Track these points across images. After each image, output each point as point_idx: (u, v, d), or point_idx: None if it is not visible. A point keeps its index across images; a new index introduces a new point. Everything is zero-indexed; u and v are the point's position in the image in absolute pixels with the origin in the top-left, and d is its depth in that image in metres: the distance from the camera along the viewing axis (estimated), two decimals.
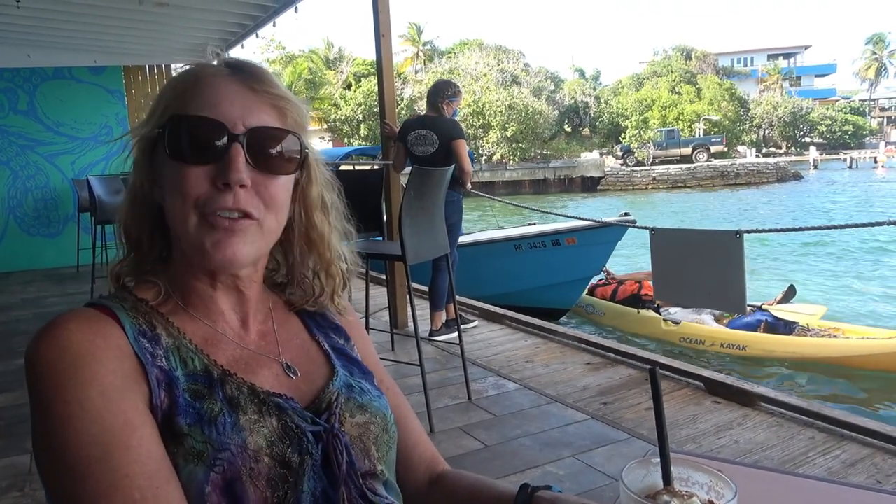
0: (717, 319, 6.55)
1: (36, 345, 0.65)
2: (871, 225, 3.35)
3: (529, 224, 8.84)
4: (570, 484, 2.42)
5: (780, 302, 6.68)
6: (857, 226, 3.49)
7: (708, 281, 3.21)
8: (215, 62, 0.79)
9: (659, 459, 0.59)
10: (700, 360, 5.84)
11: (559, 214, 5.71)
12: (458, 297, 3.77)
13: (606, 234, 7.63)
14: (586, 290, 8.03)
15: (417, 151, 4.30)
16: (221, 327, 0.79)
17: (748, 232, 3.17)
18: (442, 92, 4.41)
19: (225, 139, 0.72)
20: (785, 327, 6.04)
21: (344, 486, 0.73)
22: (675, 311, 6.73)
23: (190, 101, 0.74)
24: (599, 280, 8.03)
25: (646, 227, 3.52)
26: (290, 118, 0.79)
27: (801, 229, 3.56)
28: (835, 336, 5.86)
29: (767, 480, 0.89)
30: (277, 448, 0.70)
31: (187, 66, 0.79)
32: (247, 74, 0.77)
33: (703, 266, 3.22)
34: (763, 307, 6.40)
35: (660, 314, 6.83)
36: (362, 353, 0.93)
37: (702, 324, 6.45)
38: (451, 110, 4.39)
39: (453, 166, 3.71)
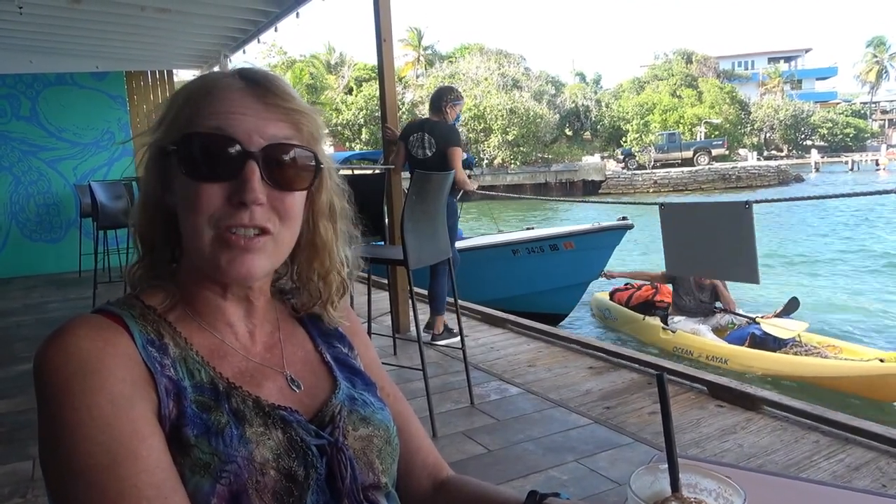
0: (721, 331, 6.55)
1: (45, 351, 0.65)
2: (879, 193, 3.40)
3: (527, 229, 8.83)
4: (574, 489, 2.41)
5: (779, 314, 6.63)
6: (863, 195, 3.56)
7: (719, 252, 3.23)
8: (229, 71, 0.78)
9: (666, 466, 0.59)
10: None
11: (567, 199, 5.67)
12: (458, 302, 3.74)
13: (604, 239, 7.63)
14: (607, 295, 8.04)
15: (415, 153, 4.33)
16: (229, 339, 0.79)
17: (757, 202, 3.19)
18: (445, 96, 4.45)
19: (240, 156, 0.71)
20: (774, 342, 6.01)
21: (347, 499, 0.73)
22: (679, 321, 6.72)
23: (202, 113, 0.73)
24: (625, 285, 8.04)
25: (656, 203, 3.56)
26: (306, 131, 0.78)
27: (812, 198, 3.57)
28: (825, 355, 5.78)
29: (773, 485, 0.88)
30: (283, 461, 0.70)
31: (200, 75, 0.78)
32: (261, 86, 0.75)
33: (713, 237, 3.24)
34: (756, 320, 6.38)
35: (666, 323, 6.82)
36: (365, 361, 0.92)
37: (697, 334, 6.46)
38: (455, 114, 4.43)
39: (454, 171, 3.72)
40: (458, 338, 4.01)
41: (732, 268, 3.26)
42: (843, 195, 3.59)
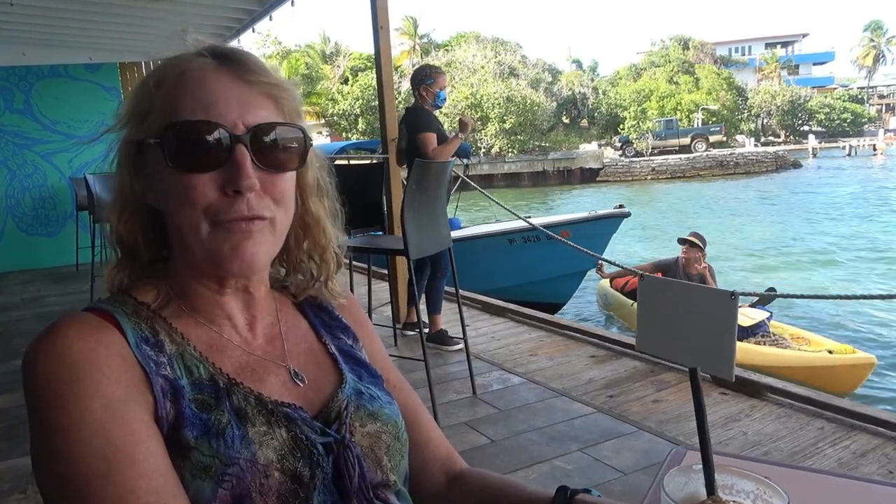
0: None
1: (33, 353, 0.62)
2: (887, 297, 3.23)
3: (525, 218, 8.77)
4: (579, 478, 2.39)
5: (754, 305, 6.57)
6: (871, 297, 3.41)
7: (696, 337, 3.04)
8: (199, 52, 0.72)
9: (700, 466, 0.56)
10: None
11: (521, 218, 5.56)
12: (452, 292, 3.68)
13: (602, 227, 7.60)
14: (608, 281, 8.02)
15: (399, 145, 4.24)
16: (227, 332, 0.76)
17: (743, 294, 3.05)
18: (415, 80, 4.20)
19: (227, 142, 0.68)
20: (741, 331, 5.99)
21: (356, 499, 0.70)
22: None
23: (180, 101, 0.68)
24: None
25: (638, 273, 3.44)
26: (287, 106, 0.74)
27: (814, 297, 3.45)
28: (786, 346, 5.77)
29: (783, 477, 0.86)
30: (288, 462, 0.67)
31: (171, 59, 0.72)
32: (236, 64, 0.71)
33: (693, 320, 3.04)
34: None
35: None
36: (370, 352, 0.89)
37: None
38: (433, 94, 4.14)
39: (453, 160, 3.66)
40: (453, 347, 3.98)
41: (707, 357, 3.00)
42: (856, 297, 3.44)
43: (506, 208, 5.24)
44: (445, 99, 4.26)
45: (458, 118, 4.10)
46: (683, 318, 3.10)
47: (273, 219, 0.71)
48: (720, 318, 2.92)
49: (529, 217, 8.62)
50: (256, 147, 0.69)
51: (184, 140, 0.67)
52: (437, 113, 4.21)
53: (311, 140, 0.77)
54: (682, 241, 6.43)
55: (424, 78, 4.16)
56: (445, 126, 4.31)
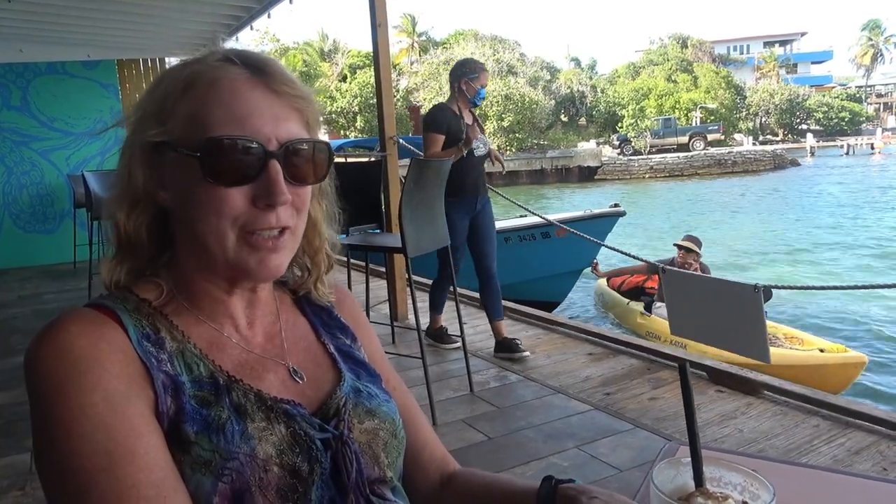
0: None
1: (36, 348, 0.63)
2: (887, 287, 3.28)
3: (521, 216, 8.80)
4: (575, 475, 2.38)
5: None
6: (872, 287, 3.53)
7: (727, 324, 3.18)
8: (227, 57, 0.73)
9: (688, 459, 0.57)
10: None
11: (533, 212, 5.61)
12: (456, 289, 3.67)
13: (596, 226, 7.60)
14: (606, 279, 8.03)
15: None
16: (227, 330, 0.77)
17: (766, 287, 3.15)
18: (457, 71, 3.97)
19: (261, 158, 0.69)
20: None
21: (353, 494, 0.71)
22: (661, 307, 6.72)
23: (211, 112, 0.69)
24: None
25: (655, 264, 3.52)
26: (310, 117, 0.76)
27: (822, 288, 3.56)
28: (779, 345, 5.74)
29: (776, 472, 0.87)
30: (287, 457, 0.68)
31: (199, 62, 0.73)
32: (267, 75, 0.72)
33: (720, 310, 3.19)
34: None
35: (650, 309, 6.83)
36: (369, 352, 0.90)
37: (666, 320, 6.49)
38: (474, 90, 3.91)
39: (450, 159, 3.65)
40: (451, 345, 3.99)
41: (741, 342, 3.20)
42: (859, 287, 3.54)
43: (523, 207, 5.22)
44: (484, 97, 4.07)
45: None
46: (711, 308, 3.24)
47: (295, 227, 0.74)
48: (747, 310, 3.06)
49: (525, 216, 8.67)
50: (288, 162, 0.71)
51: (220, 154, 0.68)
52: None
53: (333, 155, 0.79)
54: (679, 246, 6.48)
55: (469, 71, 3.92)
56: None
